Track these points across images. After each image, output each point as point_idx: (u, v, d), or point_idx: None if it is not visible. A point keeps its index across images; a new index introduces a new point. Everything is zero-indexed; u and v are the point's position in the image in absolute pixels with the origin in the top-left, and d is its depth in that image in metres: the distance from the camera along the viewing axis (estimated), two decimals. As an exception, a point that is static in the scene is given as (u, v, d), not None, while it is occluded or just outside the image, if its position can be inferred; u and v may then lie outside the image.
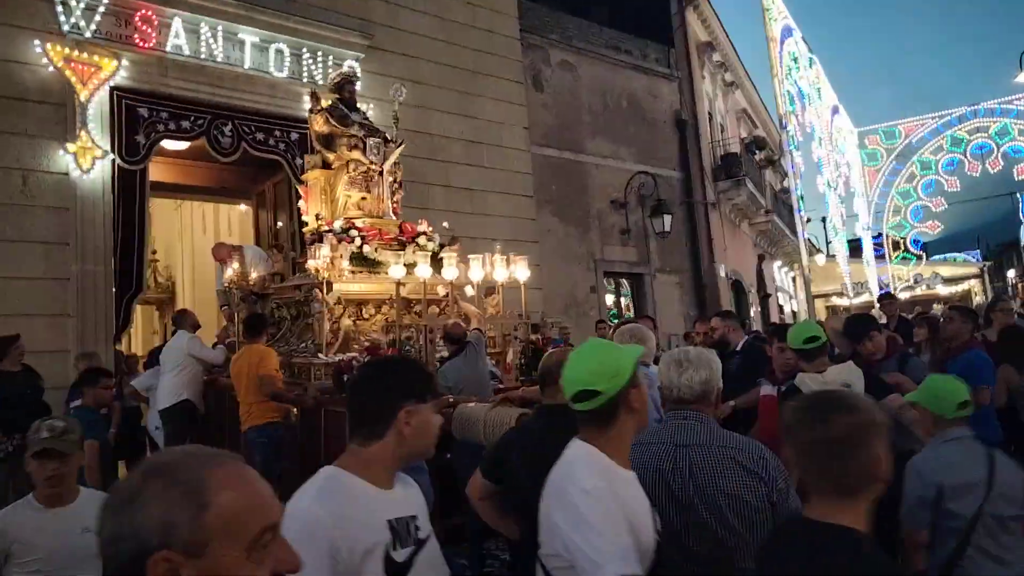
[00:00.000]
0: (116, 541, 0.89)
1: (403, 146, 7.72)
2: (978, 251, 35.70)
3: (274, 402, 5.54)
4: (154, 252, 13.42)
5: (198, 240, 14.35)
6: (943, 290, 24.00)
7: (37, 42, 7.65)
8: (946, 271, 26.56)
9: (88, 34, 7.91)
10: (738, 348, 5.66)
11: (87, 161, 7.83)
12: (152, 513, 0.89)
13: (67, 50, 7.77)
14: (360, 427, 1.72)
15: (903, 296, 17.68)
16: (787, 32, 18.52)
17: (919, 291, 23.29)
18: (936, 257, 29.37)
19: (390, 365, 2.04)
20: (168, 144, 9.06)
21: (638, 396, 1.89)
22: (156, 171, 9.57)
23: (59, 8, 7.77)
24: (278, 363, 5.75)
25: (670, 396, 2.26)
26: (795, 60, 18.94)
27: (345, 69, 8.68)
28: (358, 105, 7.93)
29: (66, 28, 7.79)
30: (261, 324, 6.01)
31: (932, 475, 2.57)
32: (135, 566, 0.87)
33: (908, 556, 2.62)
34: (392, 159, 7.52)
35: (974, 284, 28.00)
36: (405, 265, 6.31)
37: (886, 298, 8.80)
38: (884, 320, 7.44)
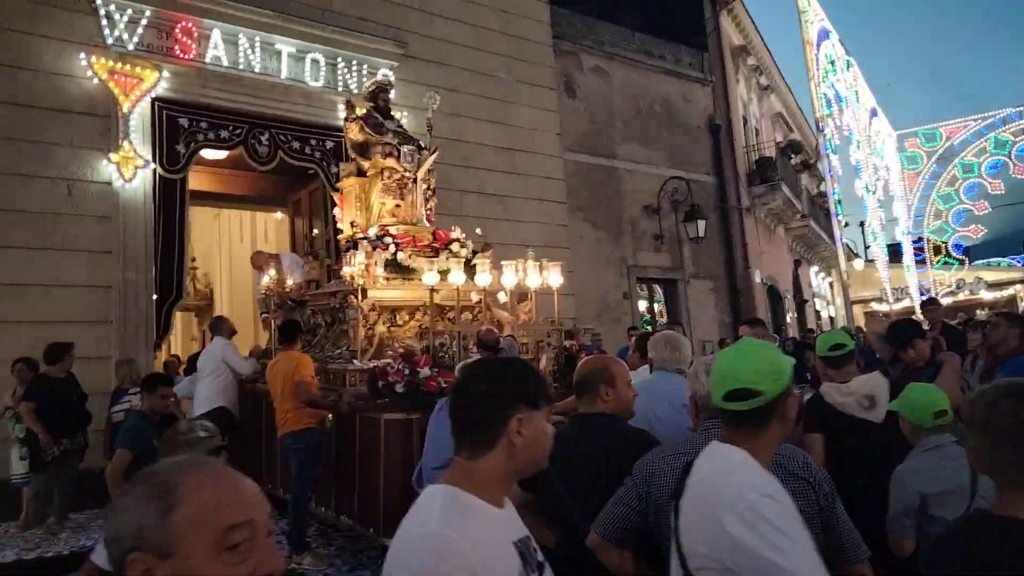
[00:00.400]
0: (108, 545, 0.95)
1: (437, 153, 7.76)
2: (1023, 256, 34.69)
3: (310, 408, 5.59)
4: (193, 260, 13.67)
5: (236, 248, 14.60)
6: (987, 295, 23.38)
7: (83, 55, 7.87)
8: (990, 276, 25.87)
9: (131, 46, 8.11)
10: None
11: (129, 171, 8.02)
12: (128, 517, 0.93)
13: (111, 62, 7.99)
14: (466, 437, 1.55)
15: (945, 302, 17.26)
16: (824, 34, 18.26)
17: (961, 296, 22.75)
18: (979, 262, 28.60)
19: (500, 367, 1.78)
20: (207, 153, 9.26)
21: (793, 404, 1.80)
22: (195, 180, 9.76)
23: (104, 22, 7.99)
24: (313, 369, 5.80)
25: (708, 405, 2.22)
26: (832, 63, 18.66)
27: (379, 78, 8.76)
28: (392, 113, 7.99)
29: (110, 41, 8.01)
30: (296, 330, 6.06)
31: (914, 484, 2.60)
32: (120, 568, 0.93)
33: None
34: (426, 166, 7.56)
35: (1020, 289, 27.22)
36: (439, 272, 6.32)
37: (930, 303, 8.60)
38: (927, 326, 7.28)
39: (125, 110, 8.02)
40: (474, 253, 7.22)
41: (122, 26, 8.07)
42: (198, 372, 6.94)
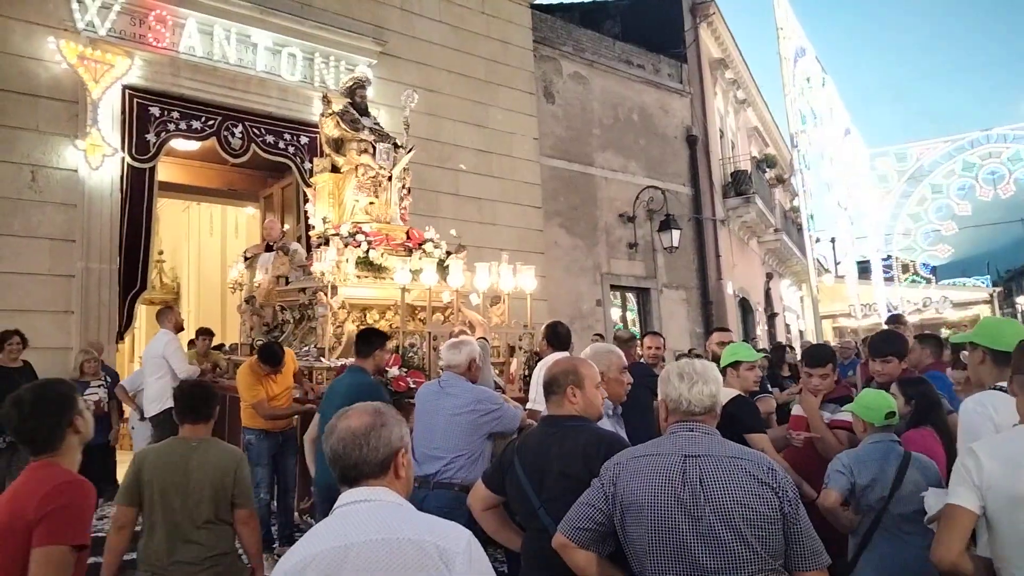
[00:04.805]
0: (378, 448, 1.68)
1: (413, 152, 7.69)
2: (988, 277, 35.51)
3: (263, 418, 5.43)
4: (161, 253, 13.41)
5: (205, 242, 14.37)
6: (952, 315, 23.82)
7: (51, 39, 7.67)
8: (955, 296, 26.36)
9: (102, 32, 7.94)
10: None
11: (97, 158, 7.83)
12: (395, 431, 1.73)
13: (81, 47, 7.80)
14: None
15: (912, 319, 17.53)
16: (800, 52, 18.49)
17: (928, 314, 23.14)
18: (945, 281, 29.20)
19: None
20: (178, 144, 9.07)
21: None
22: (165, 171, 9.58)
23: (74, 5, 7.80)
24: (251, 379, 5.47)
25: (678, 408, 2.19)
26: (808, 80, 18.90)
27: (357, 74, 8.67)
28: (369, 111, 7.91)
29: (81, 26, 7.82)
30: (267, 355, 5.60)
31: (849, 467, 3.00)
32: (389, 459, 1.70)
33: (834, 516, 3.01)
34: (401, 165, 7.49)
35: (983, 309, 27.78)
36: (411, 271, 6.25)
37: (894, 320, 8.64)
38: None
39: (94, 96, 7.83)
40: (448, 254, 7.16)
41: (94, 11, 7.88)
42: (143, 366, 6.64)
